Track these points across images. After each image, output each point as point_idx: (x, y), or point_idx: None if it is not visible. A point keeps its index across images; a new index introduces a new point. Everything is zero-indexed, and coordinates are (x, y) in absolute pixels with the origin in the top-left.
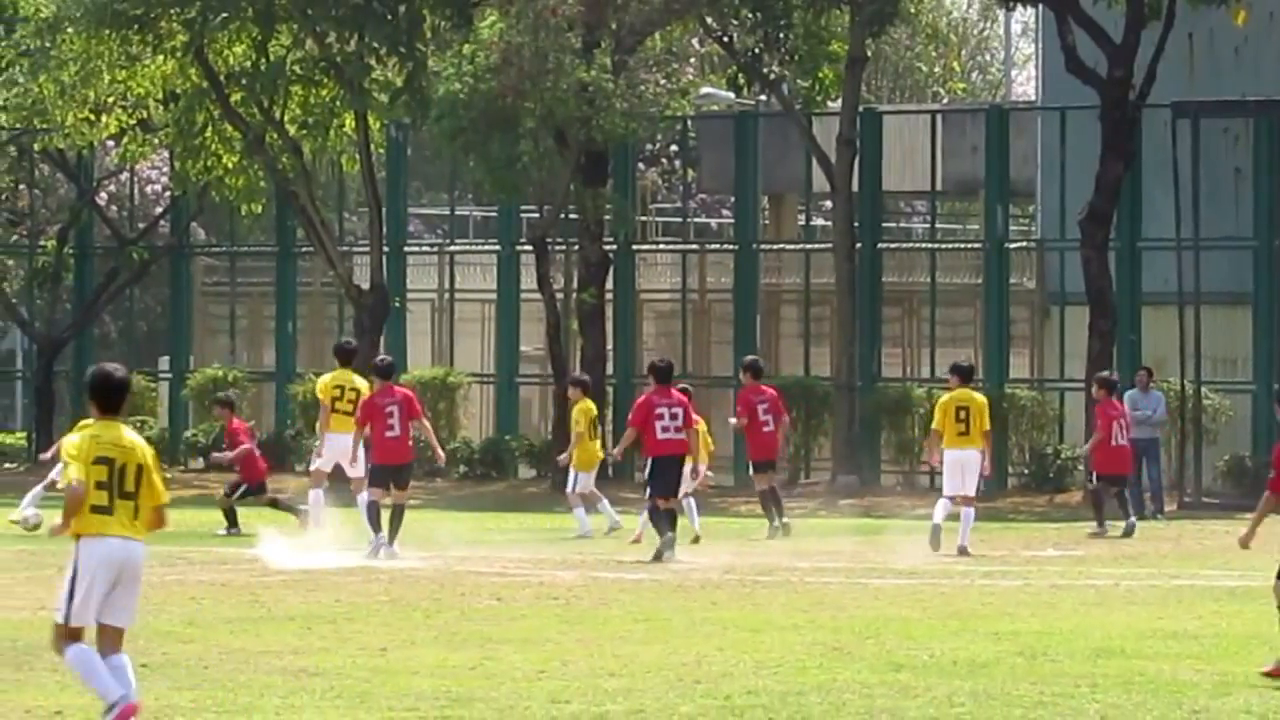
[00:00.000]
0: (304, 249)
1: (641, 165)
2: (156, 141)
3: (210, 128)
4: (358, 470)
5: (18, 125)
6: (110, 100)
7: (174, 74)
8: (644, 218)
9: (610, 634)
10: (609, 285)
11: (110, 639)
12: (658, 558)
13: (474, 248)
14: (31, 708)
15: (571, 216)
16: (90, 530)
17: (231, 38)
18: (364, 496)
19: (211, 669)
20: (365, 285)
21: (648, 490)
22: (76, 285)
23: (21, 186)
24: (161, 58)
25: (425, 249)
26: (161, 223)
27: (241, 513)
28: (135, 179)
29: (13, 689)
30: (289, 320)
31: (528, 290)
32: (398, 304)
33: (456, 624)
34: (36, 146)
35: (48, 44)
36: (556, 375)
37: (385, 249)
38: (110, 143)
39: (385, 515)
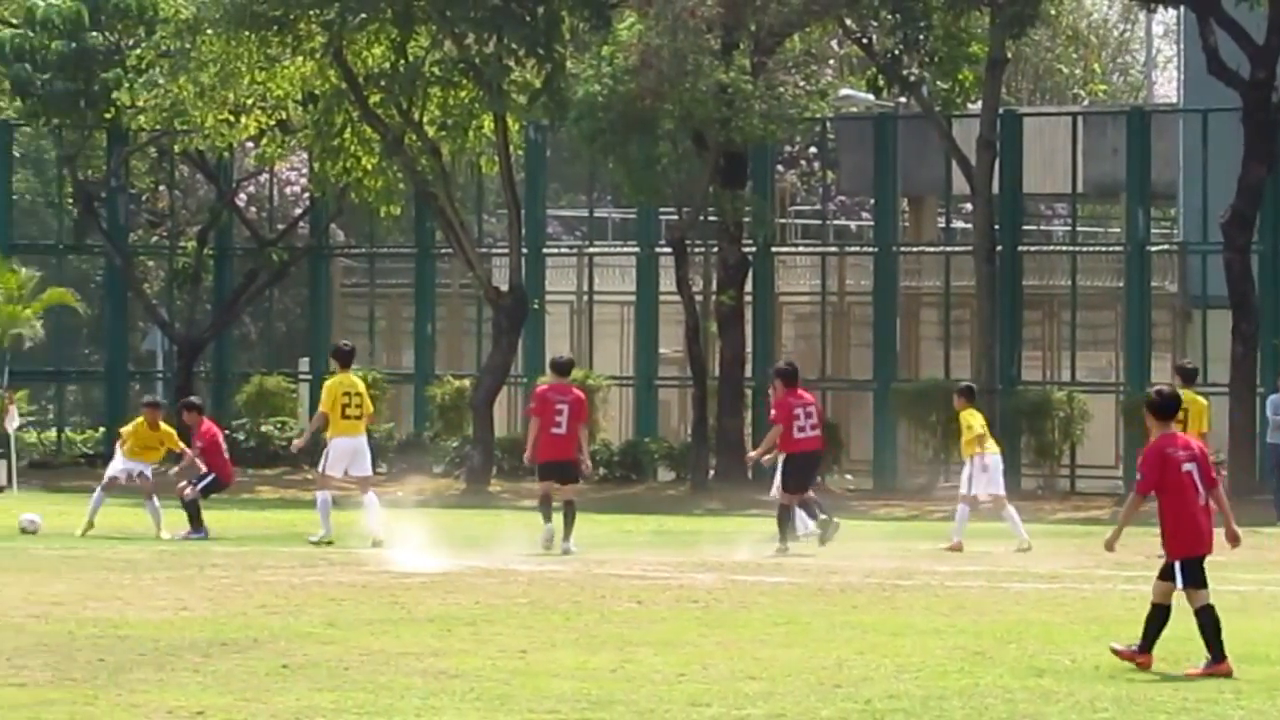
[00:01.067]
0: (443, 250)
1: (780, 167)
2: (295, 143)
3: (349, 129)
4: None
5: (158, 127)
6: (249, 101)
7: (313, 75)
8: (783, 220)
9: (750, 637)
10: (748, 287)
11: None
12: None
13: (613, 249)
14: (173, 708)
15: (710, 218)
16: None
17: (370, 39)
18: (372, 497)
19: (352, 670)
20: (504, 287)
21: (779, 487)
22: (216, 286)
23: (161, 188)
24: (300, 59)
25: (564, 251)
26: (301, 224)
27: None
28: (274, 180)
29: (155, 689)
30: (427, 322)
31: (666, 292)
32: (536, 306)
33: (596, 626)
34: (176, 148)
35: (187, 45)
36: (696, 377)
37: (524, 251)
38: (249, 144)
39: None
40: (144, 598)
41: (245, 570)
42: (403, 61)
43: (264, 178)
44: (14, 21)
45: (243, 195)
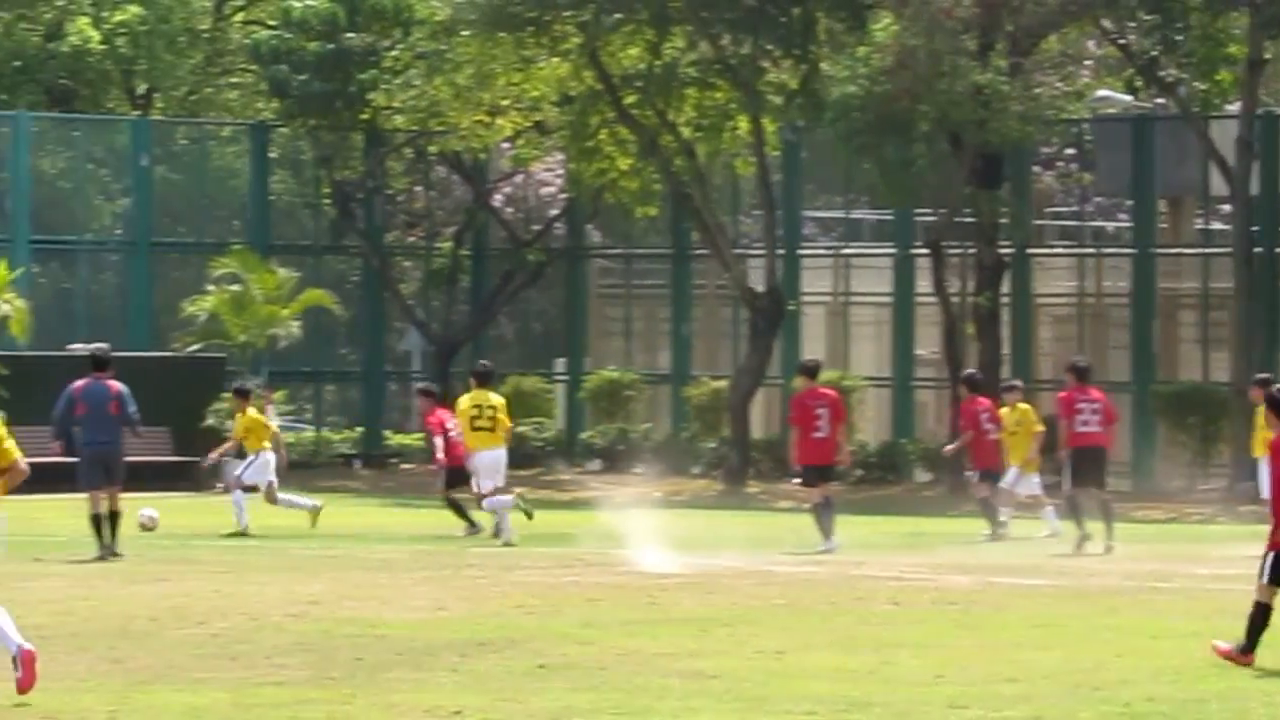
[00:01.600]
0: (699, 251)
1: (1037, 168)
2: (551, 144)
3: (604, 130)
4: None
5: (414, 128)
6: (505, 103)
7: (569, 76)
8: (1039, 221)
9: (1007, 639)
10: (1004, 289)
11: None
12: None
13: (869, 251)
14: (431, 707)
15: (967, 220)
16: None
17: (626, 40)
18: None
19: (608, 671)
20: (760, 288)
21: (1069, 481)
22: (472, 287)
23: (418, 189)
24: (556, 60)
25: (820, 252)
26: (556, 225)
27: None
28: (530, 181)
29: (412, 689)
30: (684, 323)
31: (923, 294)
32: (792, 307)
33: (853, 628)
34: (433, 149)
35: (443, 47)
36: (953, 379)
37: (780, 252)
38: (505, 145)
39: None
40: (401, 597)
41: (502, 571)
42: (658, 62)
43: (520, 179)
44: (272, 23)
45: (499, 196)
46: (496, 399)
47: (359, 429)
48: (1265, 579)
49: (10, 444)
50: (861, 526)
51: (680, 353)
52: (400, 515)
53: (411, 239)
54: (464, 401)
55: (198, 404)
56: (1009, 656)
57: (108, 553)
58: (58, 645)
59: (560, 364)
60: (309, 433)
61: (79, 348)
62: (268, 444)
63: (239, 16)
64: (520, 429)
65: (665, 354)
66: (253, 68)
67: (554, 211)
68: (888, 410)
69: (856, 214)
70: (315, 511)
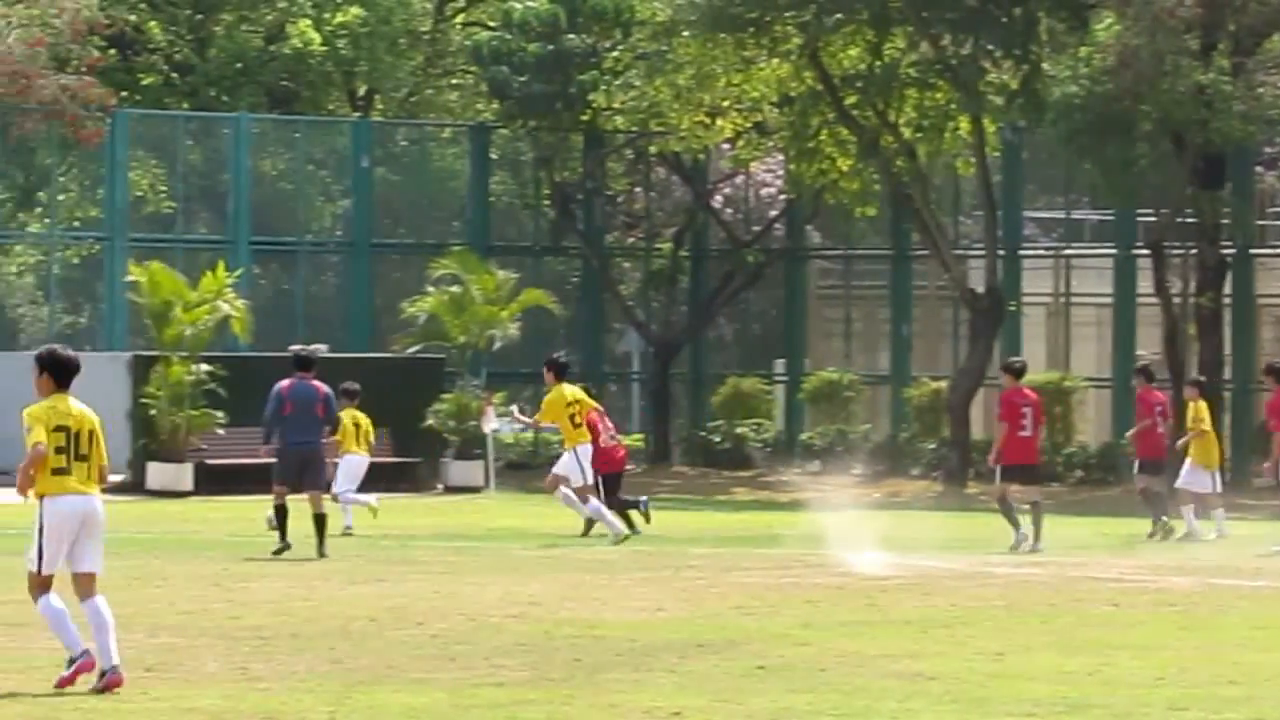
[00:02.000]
0: (919, 252)
1: (1260, 168)
2: (771, 145)
3: (825, 131)
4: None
5: (634, 128)
6: (725, 103)
7: (789, 77)
8: (1262, 221)
9: (1229, 641)
10: (1226, 290)
11: (83, 585)
12: None
13: (1090, 251)
14: (650, 708)
15: (1188, 220)
16: (52, 490)
17: (846, 40)
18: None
19: (827, 672)
20: (979, 289)
21: None
22: (691, 288)
23: (638, 189)
24: (776, 61)
25: (1040, 252)
26: (776, 226)
27: None
28: (750, 182)
29: (631, 689)
30: (904, 323)
31: (1144, 294)
32: (1012, 307)
33: (1073, 629)
34: (653, 149)
35: (663, 48)
36: (1174, 380)
37: (1000, 252)
38: (725, 146)
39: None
40: (620, 598)
41: (721, 572)
42: (878, 63)
43: (739, 179)
44: (492, 25)
45: (718, 197)
46: (575, 390)
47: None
48: None
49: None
50: (1081, 528)
51: (900, 353)
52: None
53: (631, 240)
54: (555, 398)
55: (417, 405)
56: (1230, 659)
57: (285, 548)
58: (278, 646)
59: (779, 365)
60: (527, 434)
61: (298, 349)
62: (356, 447)
63: (459, 18)
64: (739, 430)
65: (884, 355)
66: (473, 69)
67: (773, 212)
68: (1108, 412)
69: (1077, 214)
70: (373, 510)
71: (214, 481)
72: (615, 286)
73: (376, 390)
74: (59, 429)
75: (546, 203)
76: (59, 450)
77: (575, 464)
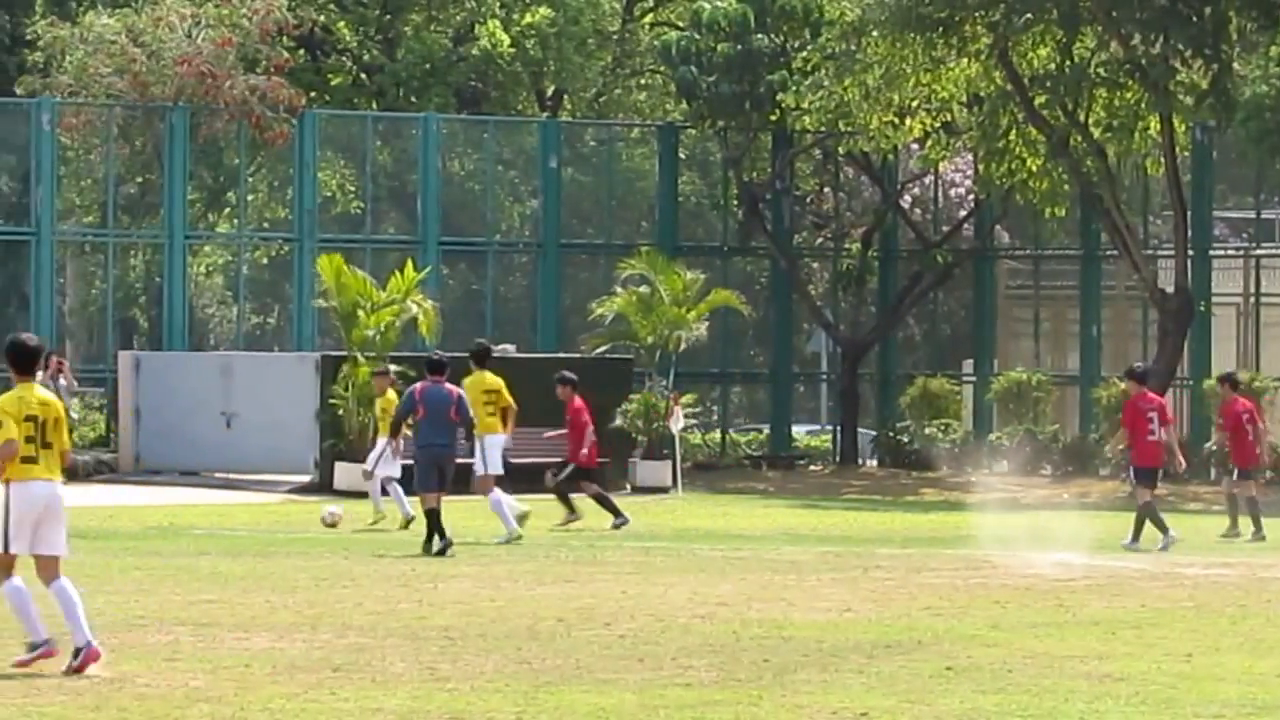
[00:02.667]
0: (1108, 252)
1: None
2: (960, 145)
3: (1014, 131)
4: None
5: (823, 128)
6: (914, 103)
7: (978, 77)
8: None
9: None
10: None
11: (48, 568)
12: None
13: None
14: (838, 709)
15: None
16: (20, 476)
17: (1035, 40)
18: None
19: (1015, 673)
20: (1169, 289)
21: None
22: (880, 288)
23: (826, 189)
24: (965, 60)
25: (1230, 252)
26: (965, 226)
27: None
28: (939, 182)
29: (819, 690)
30: (1093, 324)
31: None
32: (1202, 308)
33: (1262, 630)
34: (841, 149)
35: (852, 47)
36: None
37: (1190, 253)
38: (914, 145)
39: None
40: (808, 599)
41: (910, 572)
42: (1068, 62)
43: (928, 179)
44: (681, 24)
45: (907, 197)
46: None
47: (765, 430)
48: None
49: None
50: (1273, 529)
51: (1089, 354)
52: (807, 516)
53: (819, 240)
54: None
55: (606, 405)
56: None
57: (447, 545)
58: (465, 646)
59: (967, 365)
60: (715, 435)
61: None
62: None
63: (648, 18)
64: (927, 430)
65: (1073, 355)
66: (661, 69)
67: (962, 212)
68: None
69: (1268, 214)
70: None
71: (402, 482)
72: (804, 287)
73: None
74: (29, 419)
75: (735, 203)
76: (28, 439)
77: (480, 453)
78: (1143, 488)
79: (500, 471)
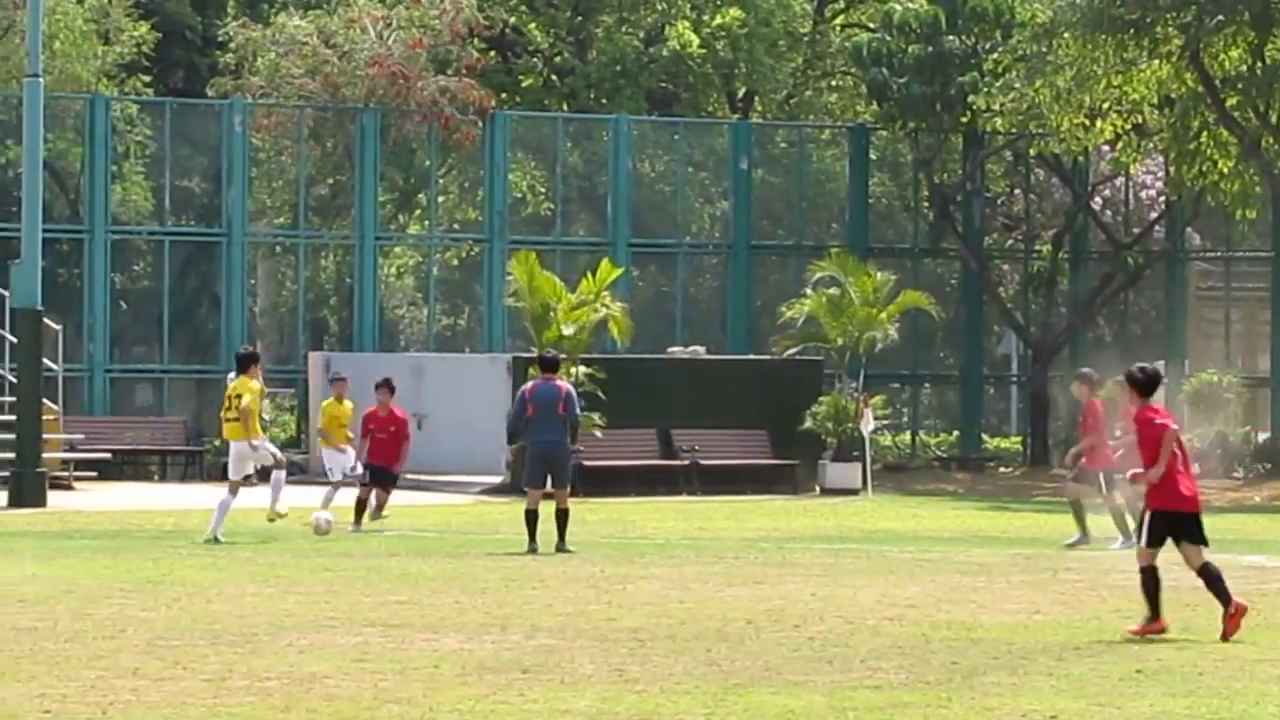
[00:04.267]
0: None
1: None
2: (1151, 146)
3: (1205, 132)
4: None
5: (1014, 130)
6: (1105, 105)
7: (1169, 78)
8: None
9: None
10: None
11: None
12: None
13: None
14: (1027, 711)
15: None
16: None
17: (1227, 41)
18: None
19: (1206, 676)
20: None
21: None
22: (1071, 290)
23: (1017, 191)
24: (1156, 62)
25: None
26: (1156, 228)
27: None
28: (1129, 184)
29: (1008, 692)
30: None
31: None
32: None
33: None
34: (1032, 151)
35: (1044, 49)
36: None
37: None
38: (1105, 147)
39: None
40: (997, 601)
41: (1099, 575)
42: (1260, 64)
43: (1119, 181)
44: (872, 26)
45: (1098, 199)
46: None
47: (955, 433)
48: (1144, 543)
49: None
50: None
51: None
52: (997, 519)
53: (1010, 242)
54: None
55: (797, 406)
56: None
57: (534, 549)
58: (654, 647)
59: (1159, 366)
60: (905, 436)
61: (677, 351)
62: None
63: (839, 19)
64: (1117, 433)
65: (1265, 357)
66: (852, 70)
67: (1153, 214)
68: None
69: None
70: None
71: (592, 483)
72: (994, 289)
73: (755, 392)
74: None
75: (925, 204)
76: None
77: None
78: None
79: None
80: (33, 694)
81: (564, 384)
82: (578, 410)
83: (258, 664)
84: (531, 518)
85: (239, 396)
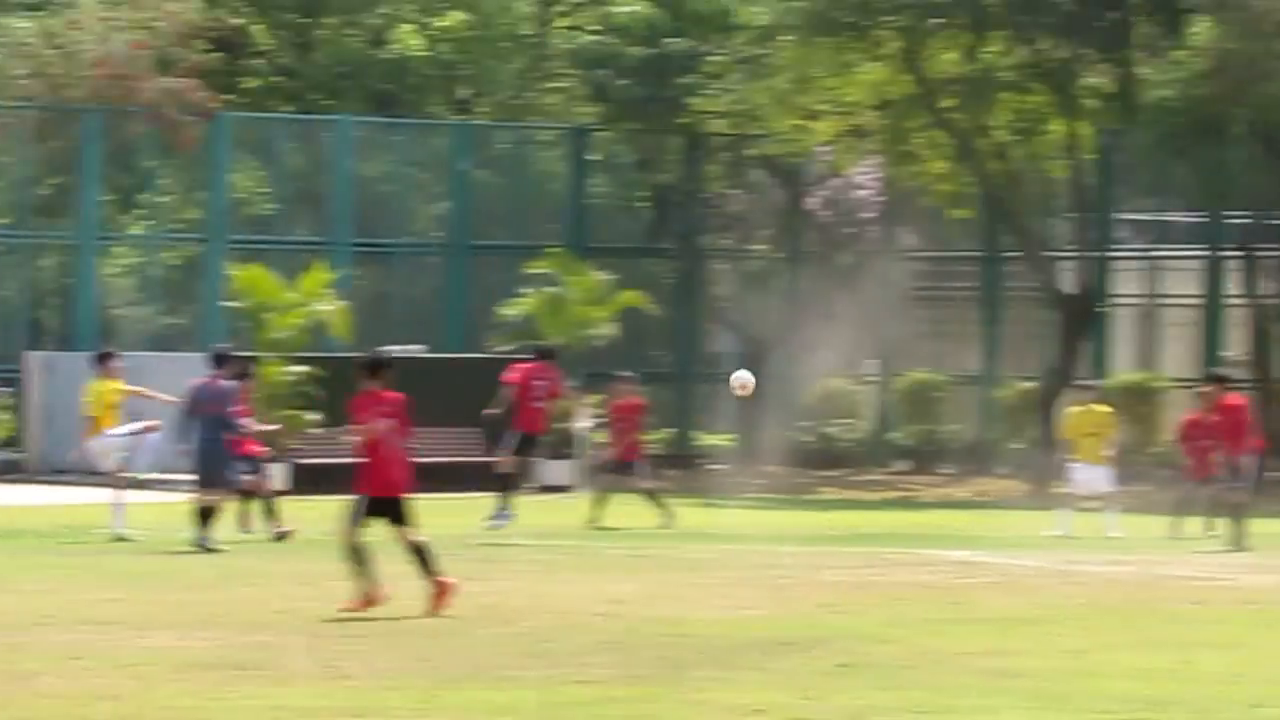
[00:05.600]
0: (1010, 254)
1: None
2: (867, 148)
3: (920, 134)
4: None
5: (732, 131)
6: (823, 107)
7: (886, 81)
8: None
9: None
10: None
11: None
12: None
13: (1180, 253)
14: (734, 705)
15: (1278, 222)
16: None
17: (943, 44)
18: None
19: (911, 669)
20: (1070, 290)
21: None
22: (786, 289)
23: (734, 192)
24: (874, 64)
25: (1131, 254)
26: (870, 228)
27: None
28: (845, 185)
29: (716, 687)
30: (994, 325)
31: (1233, 296)
32: (1102, 309)
33: (1155, 627)
34: (750, 152)
35: (763, 51)
36: (1262, 381)
37: (1091, 254)
38: (823, 149)
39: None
40: (707, 597)
41: (808, 570)
42: (975, 67)
43: (836, 182)
44: (594, 28)
45: (814, 199)
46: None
47: (670, 430)
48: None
49: None
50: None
51: (990, 354)
52: (709, 515)
53: (727, 242)
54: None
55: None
56: None
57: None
58: (367, 644)
59: (871, 365)
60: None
61: (394, 349)
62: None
63: (562, 22)
64: (829, 430)
65: (975, 355)
66: (574, 72)
67: (868, 215)
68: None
69: (1169, 217)
70: None
71: (310, 481)
72: (710, 288)
73: (469, 390)
74: None
75: (644, 205)
76: None
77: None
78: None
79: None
80: None
81: (230, 383)
82: (232, 408)
83: None
84: (209, 513)
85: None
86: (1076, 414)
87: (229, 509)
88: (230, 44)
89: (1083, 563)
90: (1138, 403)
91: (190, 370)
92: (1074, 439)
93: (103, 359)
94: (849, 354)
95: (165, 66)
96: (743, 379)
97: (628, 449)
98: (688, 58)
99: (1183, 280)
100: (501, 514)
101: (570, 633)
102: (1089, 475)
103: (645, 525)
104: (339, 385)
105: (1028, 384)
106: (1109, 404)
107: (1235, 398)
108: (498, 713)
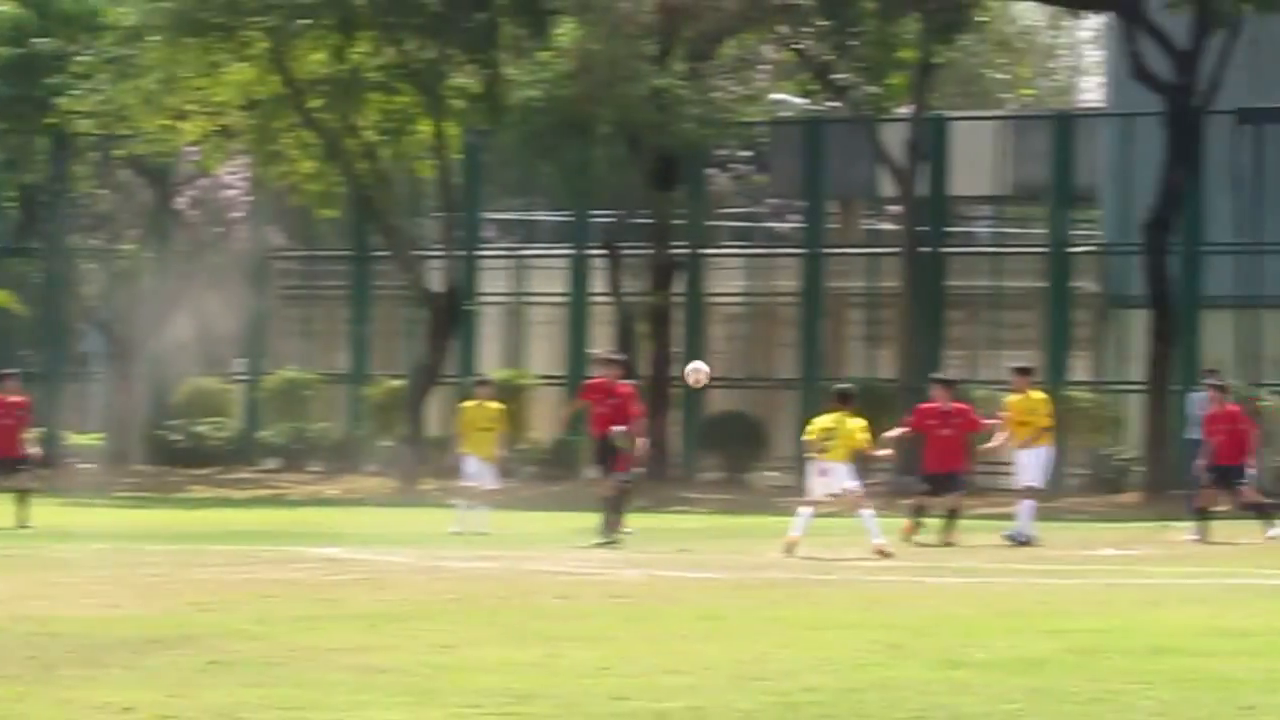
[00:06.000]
0: (380, 253)
1: (712, 170)
2: (236, 148)
3: (289, 134)
4: None
5: (101, 132)
6: (191, 107)
7: (254, 81)
8: (713, 222)
9: (672, 632)
10: (679, 288)
11: None
12: None
13: (546, 252)
14: (103, 704)
15: (643, 221)
16: None
17: (312, 45)
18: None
19: (280, 666)
20: (438, 289)
21: None
22: (155, 288)
23: (104, 191)
24: (242, 65)
25: (498, 253)
26: (240, 227)
27: None
28: (215, 184)
29: (85, 685)
30: (363, 323)
31: (598, 294)
32: (469, 307)
33: (522, 622)
34: (119, 152)
35: (131, 52)
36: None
37: (459, 253)
38: (191, 149)
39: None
40: (76, 595)
41: (177, 568)
42: (343, 67)
43: (205, 182)
44: None
45: (183, 199)
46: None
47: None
48: None
49: None
50: (534, 522)
51: (359, 353)
52: (77, 514)
53: (95, 241)
54: None
55: None
56: (674, 649)
57: None
58: None
59: (240, 364)
60: None
61: None
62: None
63: None
64: (199, 428)
65: (344, 354)
66: None
67: (237, 214)
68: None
69: (535, 216)
70: None
71: None
72: (79, 287)
73: None
74: None
75: (11, 204)
76: None
77: None
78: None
79: None
80: None
81: None
82: None
83: None
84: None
85: None
86: (470, 409)
87: None
88: None
89: (452, 558)
90: (506, 399)
91: None
92: (466, 434)
93: None
94: (218, 353)
95: None
96: (698, 368)
97: (11, 446)
98: (55, 58)
99: (549, 279)
100: None
101: None
102: (478, 470)
103: (6, 525)
104: None
105: (396, 382)
106: (501, 401)
107: (625, 386)
108: None
